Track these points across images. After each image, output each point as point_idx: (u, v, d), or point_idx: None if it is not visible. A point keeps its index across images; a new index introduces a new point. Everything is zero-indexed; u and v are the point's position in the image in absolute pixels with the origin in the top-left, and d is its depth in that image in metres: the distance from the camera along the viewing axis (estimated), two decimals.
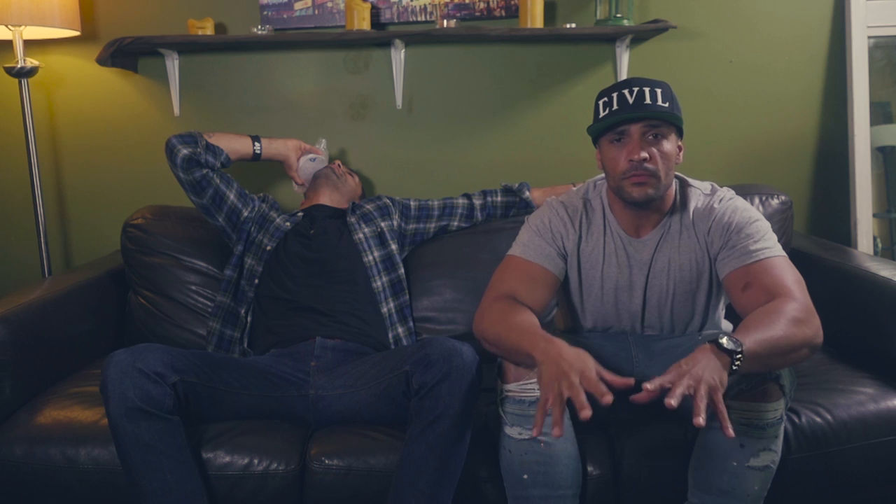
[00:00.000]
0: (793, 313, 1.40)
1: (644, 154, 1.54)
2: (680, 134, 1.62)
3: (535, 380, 1.49)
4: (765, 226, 1.60)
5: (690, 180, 1.71)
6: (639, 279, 1.67)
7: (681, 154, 1.63)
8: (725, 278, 1.59)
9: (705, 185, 1.70)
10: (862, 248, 2.45)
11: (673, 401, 1.23)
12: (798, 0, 2.42)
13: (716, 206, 1.64)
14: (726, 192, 1.68)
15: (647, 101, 1.55)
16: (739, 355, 1.30)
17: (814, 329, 1.41)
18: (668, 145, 1.57)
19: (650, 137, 1.56)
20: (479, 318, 1.59)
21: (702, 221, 1.64)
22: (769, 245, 1.56)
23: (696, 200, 1.66)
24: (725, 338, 1.31)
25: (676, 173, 1.69)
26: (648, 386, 1.27)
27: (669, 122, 1.56)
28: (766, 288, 1.49)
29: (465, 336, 1.98)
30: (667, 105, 1.56)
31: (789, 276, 1.50)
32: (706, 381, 1.25)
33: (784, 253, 1.56)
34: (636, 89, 1.55)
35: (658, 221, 1.66)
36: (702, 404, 1.23)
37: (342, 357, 1.82)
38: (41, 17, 2.17)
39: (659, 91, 1.56)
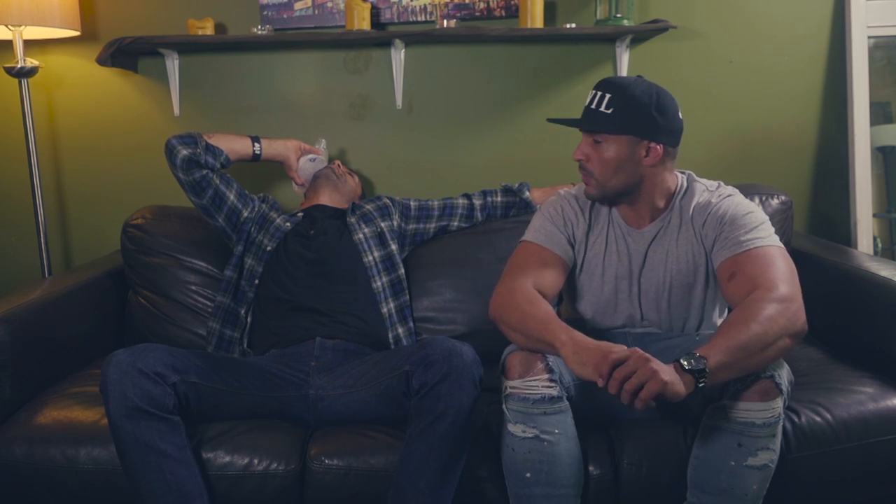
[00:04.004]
0: (765, 307, 1.42)
1: (579, 156, 1.67)
2: (648, 136, 1.62)
3: (538, 377, 1.49)
4: (758, 217, 1.62)
5: (698, 178, 1.75)
6: (636, 269, 1.71)
7: (649, 156, 1.64)
8: (717, 269, 1.62)
9: (711, 183, 1.74)
10: (862, 248, 2.45)
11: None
12: (798, 0, 2.42)
13: (713, 200, 1.68)
14: (728, 189, 1.72)
15: (593, 106, 1.64)
16: (702, 375, 1.34)
17: (788, 317, 1.43)
18: (609, 151, 1.63)
19: (593, 141, 1.65)
20: (499, 302, 1.65)
21: (699, 216, 1.68)
22: (761, 235, 1.58)
23: (698, 196, 1.70)
24: (686, 358, 1.35)
25: (685, 171, 1.75)
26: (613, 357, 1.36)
27: (605, 130, 1.62)
28: (750, 278, 1.51)
29: (465, 336, 1.99)
30: (609, 111, 1.61)
31: (776, 265, 1.52)
32: (658, 379, 1.31)
33: (779, 244, 1.58)
34: (598, 92, 1.64)
35: (657, 215, 1.71)
36: (645, 396, 1.32)
37: (342, 357, 1.82)
38: (41, 17, 2.17)
39: (608, 97, 1.62)
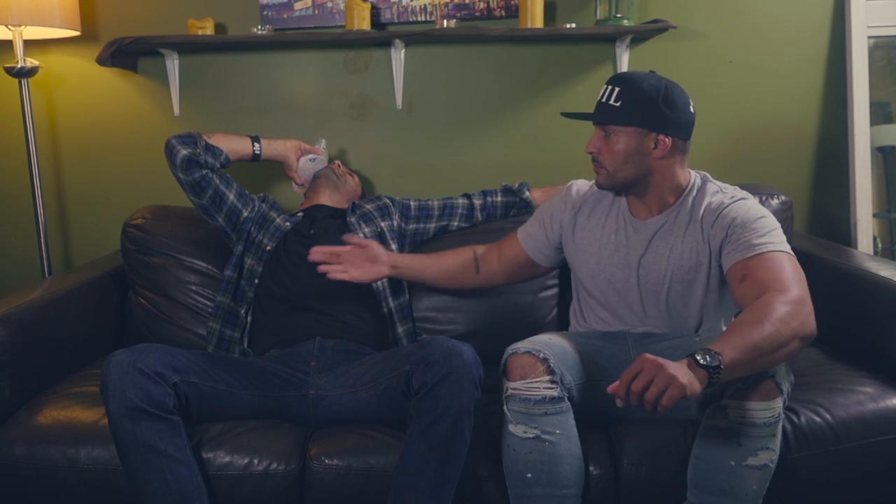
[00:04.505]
0: (779, 308, 1.41)
1: (591, 148, 1.71)
2: (656, 129, 1.65)
3: (539, 378, 1.50)
4: (771, 222, 1.63)
5: (713, 179, 1.77)
6: (635, 259, 1.73)
7: (658, 148, 1.67)
8: (728, 272, 1.62)
9: (727, 186, 1.75)
10: (862, 248, 2.45)
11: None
12: (798, 0, 2.42)
13: (725, 201, 1.69)
14: (741, 193, 1.73)
15: (603, 100, 1.68)
16: (717, 372, 1.31)
17: (801, 320, 1.42)
18: (619, 143, 1.67)
19: (604, 134, 1.69)
20: None
21: (710, 216, 1.69)
22: (773, 241, 1.58)
23: (710, 196, 1.72)
24: (702, 354, 1.32)
25: (701, 172, 1.78)
26: (617, 389, 1.33)
27: (613, 122, 1.66)
28: (761, 280, 1.51)
29: (465, 336, 1.99)
30: (618, 104, 1.65)
31: (786, 270, 1.52)
32: (677, 384, 1.27)
33: (789, 251, 1.59)
34: (609, 87, 1.68)
35: (665, 209, 1.73)
36: (667, 403, 1.27)
37: (342, 357, 1.82)
38: (41, 17, 2.17)
39: (617, 90, 1.66)
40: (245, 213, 2.08)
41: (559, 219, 1.85)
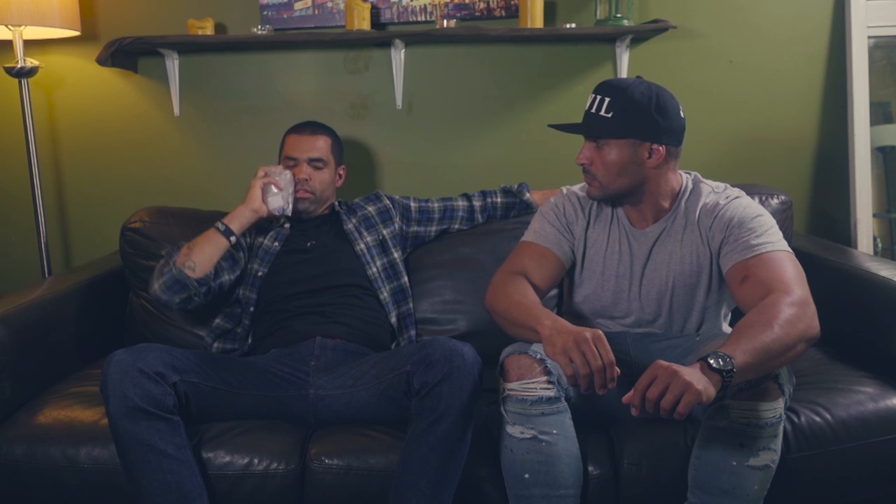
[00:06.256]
0: (785, 311, 1.41)
1: (582, 160, 1.67)
2: (649, 138, 1.62)
3: (536, 378, 1.49)
4: (768, 221, 1.62)
5: (704, 179, 1.75)
6: (638, 269, 1.71)
7: (652, 157, 1.64)
8: (727, 273, 1.62)
9: (718, 185, 1.74)
10: (862, 248, 2.45)
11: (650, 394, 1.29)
12: (798, 0, 2.42)
13: (721, 202, 1.68)
14: (735, 191, 1.72)
15: (593, 110, 1.63)
16: (730, 375, 1.31)
17: (807, 322, 1.42)
18: (611, 155, 1.64)
19: (595, 145, 1.65)
20: (491, 293, 1.70)
21: (706, 217, 1.68)
22: (771, 240, 1.58)
23: (705, 198, 1.70)
24: (714, 357, 1.32)
25: (692, 172, 1.76)
26: (634, 398, 1.32)
27: (606, 135, 1.62)
28: (763, 281, 1.51)
29: (466, 336, 1.99)
30: (609, 115, 1.60)
31: (787, 270, 1.52)
32: (693, 390, 1.27)
33: (788, 248, 1.59)
34: (598, 96, 1.63)
35: (661, 215, 1.71)
36: (683, 410, 1.27)
37: (342, 357, 1.82)
38: (41, 17, 2.17)
39: (607, 100, 1.61)
40: (242, 263, 1.99)
41: (572, 222, 1.79)
